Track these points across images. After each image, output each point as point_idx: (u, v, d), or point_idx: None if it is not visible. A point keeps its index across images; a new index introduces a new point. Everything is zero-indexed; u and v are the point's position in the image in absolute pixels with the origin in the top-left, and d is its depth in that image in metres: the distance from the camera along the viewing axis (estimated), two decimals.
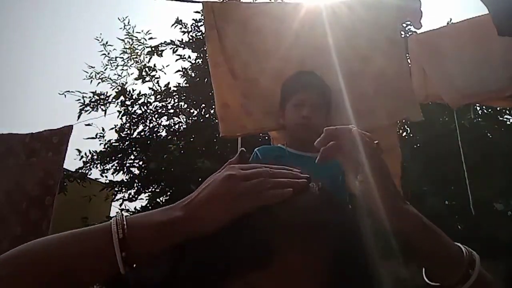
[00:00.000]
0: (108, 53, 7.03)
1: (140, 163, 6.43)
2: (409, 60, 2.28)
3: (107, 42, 7.01)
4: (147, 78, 6.48)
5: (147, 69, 6.53)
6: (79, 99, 6.39)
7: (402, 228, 0.51)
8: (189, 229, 0.49)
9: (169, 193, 6.12)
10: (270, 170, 0.52)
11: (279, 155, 1.47)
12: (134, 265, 0.48)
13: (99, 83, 6.97)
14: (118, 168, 6.45)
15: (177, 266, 0.50)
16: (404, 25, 4.61)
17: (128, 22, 6.92)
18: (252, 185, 0.49)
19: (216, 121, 2.50)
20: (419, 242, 0.51)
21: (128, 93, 6.49)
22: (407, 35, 4.40)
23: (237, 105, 1.68)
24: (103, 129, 6.47)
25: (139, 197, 6.27)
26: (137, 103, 6.48)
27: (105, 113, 6.39)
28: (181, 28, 6.35)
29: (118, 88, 6.77)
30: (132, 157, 6.51)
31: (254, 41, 1.77)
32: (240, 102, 1.69)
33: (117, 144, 6.46)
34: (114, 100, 6.46)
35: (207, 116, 6.24)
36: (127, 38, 6.93)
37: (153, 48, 6.39)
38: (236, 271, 0.45)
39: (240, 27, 1.78)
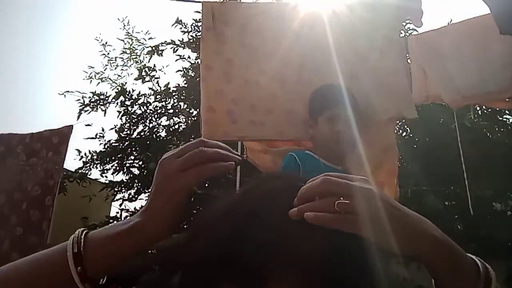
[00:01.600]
0: (108, 53, 7.04)
1: (140, 163, 6.43)
2: (409, 60, 2.28)
3: (106, 42, 7.02)
4: (147, 78, 6.48)
5: (146, 69, 6.53)
6: (79, 99, 6.39)
7: (418, 252, 0.46)
8: (149, 229, 0.50)
9: None
10: (203, 149, 0.54)
11: (316, 165, 1.52)
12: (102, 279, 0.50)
13: (98, 83, 6.97)
14: (118, 168, 6.44)
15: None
16: (404, 23, 4.61)
17: (128, 22, 6.93)
18: (185, 158, 0.52)
19: None
20: (435, 261, 0.47)
21: (128, 93, 6.48)
22: (407, 34, 4.41)
23: (223, 111, 1.68)
24: (103, 129, 6.48)
25: (139, 197, 6.27)
26: (136, 103, 6.48)
27: (105, 113, 6.38)
28: (181, 28, 6.37)
29: (117, 88, 6.77)
30: (132, 157, 6.51)
31: (254, 43, 1.77)
32: (227, 108, 1.68)
33: (117, 144, 6.46)
34: (114, 100, 6.45)
35: None
36: (126, 38, 6.93)
37: (153, 48, 6.39)
38: (228, 278, 0.43)
39: (240, 29, 1.77)
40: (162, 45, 6.33)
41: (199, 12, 1.81)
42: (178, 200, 0.52)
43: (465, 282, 0.47)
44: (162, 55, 6.37)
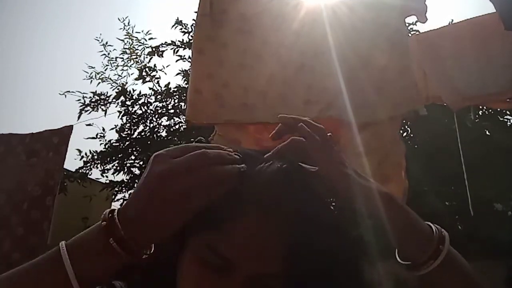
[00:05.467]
0: (108, 53, 7.03)
1: (141, 163, 6.43)
2: None
3: (107, 43, 7.01)
4: (147, 78, 6.49)
5: (147, 69, 6.54)
6: (80, 99, 6.41)
7: (369, 207, 0.51)
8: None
9: None
10: (207, 152, 0.47)
11: None
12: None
13: (99, 83, 6.98)
14: (118, 168, 6.45)
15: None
16: (407, 24, 4.60)
17: (128, 23, 6.92)
18: (186, 160, 0.45)
19: None
20: (389, 220, 0.51)
21: (128, 93, 6.50)
22: (409, 34, 4.40)
23: (211, 95, 1.68)
24: (103, 129, 6.49)
25: None
26: (137, 103, 6.49)
27: (105, 113, 6.39)
28: (181, 29, 6.37)
29: (118, 88, 6.78)
30: (133, 157, 6.51)
31: (253, 31, 1.77)
32: (216, 92, 1.68)
33: (118, 144, 6.46)
34: (114, 100, 6.47)
35: None
36: (127, 38, 6.93)
37: (153, 49, 6.40)
38: (193, 231, 0.48)
39: (239, 18, 1.78)
40: (162, 46, 6.35)
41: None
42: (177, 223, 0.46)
43: (421, 240, 0.51)
44: (162, 56, 6.38)
